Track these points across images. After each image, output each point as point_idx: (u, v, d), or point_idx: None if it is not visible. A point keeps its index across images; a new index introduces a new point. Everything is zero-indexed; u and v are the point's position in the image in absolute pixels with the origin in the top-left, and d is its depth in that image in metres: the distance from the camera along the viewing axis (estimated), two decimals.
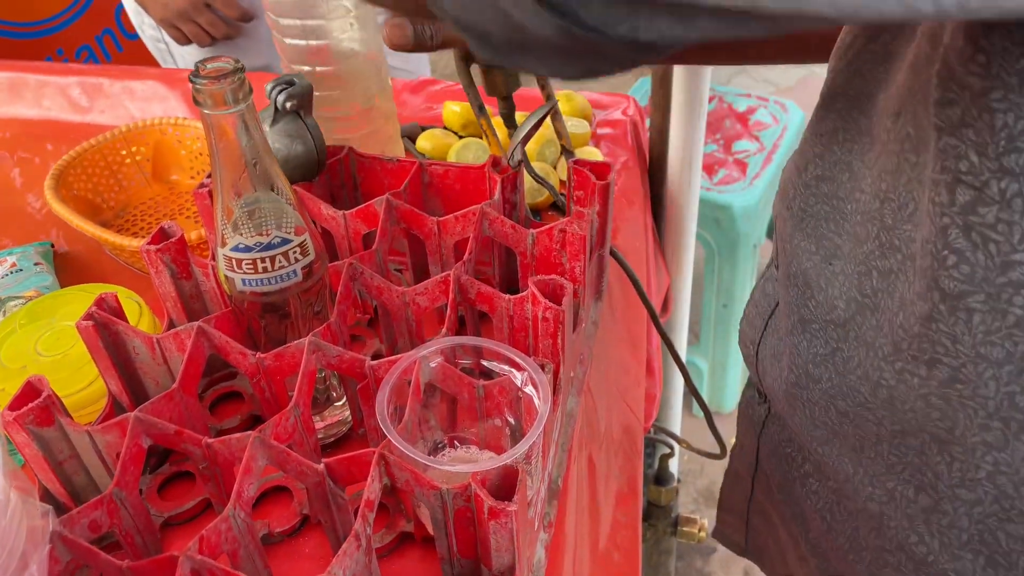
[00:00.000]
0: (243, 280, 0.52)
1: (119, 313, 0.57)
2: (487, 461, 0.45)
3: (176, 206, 0.94)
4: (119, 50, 2.22)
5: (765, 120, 1.57)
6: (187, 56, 1.25)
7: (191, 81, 0.46)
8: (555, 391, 0.58)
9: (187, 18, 1.13)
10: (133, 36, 2.32)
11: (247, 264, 0.51)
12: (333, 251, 0.69)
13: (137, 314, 0.64)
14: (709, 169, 1.47)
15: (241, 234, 0.51)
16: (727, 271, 1.50)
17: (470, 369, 0.54)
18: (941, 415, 0.39)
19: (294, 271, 0.53)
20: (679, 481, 1.40)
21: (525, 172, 0.83)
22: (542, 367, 0.52)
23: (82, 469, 0.53)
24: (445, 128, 0.94)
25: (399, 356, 0.52)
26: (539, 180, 0.79)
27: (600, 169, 0.67)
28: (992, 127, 0.31)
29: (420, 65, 1.30)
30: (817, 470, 0.54)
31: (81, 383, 0.61)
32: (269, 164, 0.51)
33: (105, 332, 0.56)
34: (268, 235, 0.51)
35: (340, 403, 0.61)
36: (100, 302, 0.56)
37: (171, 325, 0.63)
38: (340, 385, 0.61)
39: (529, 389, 0.50)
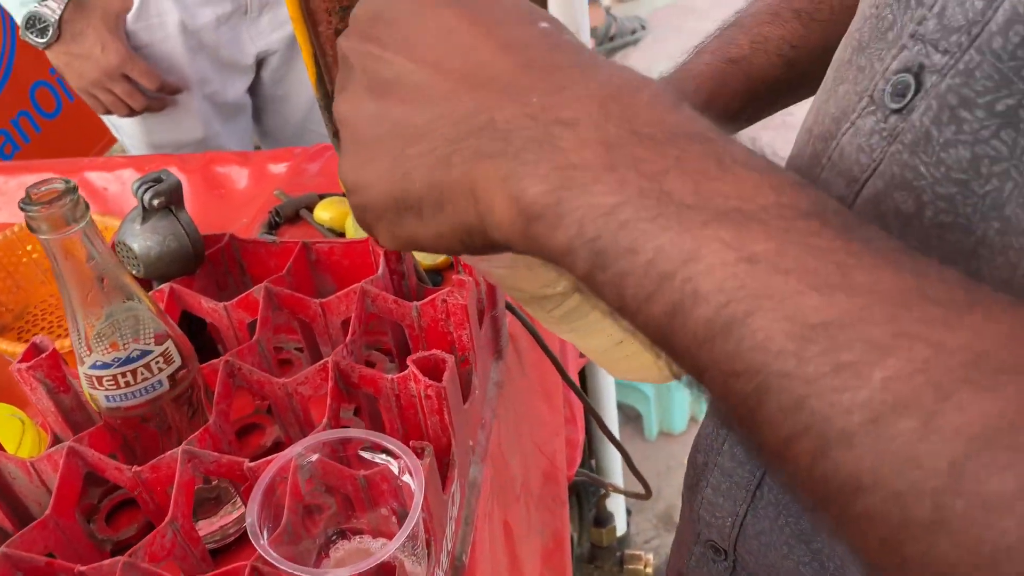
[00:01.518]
0: (106, 396, 0.51)
1: None
2: (361, 563, 0.44)
3: None
4: (37, 131, 2.19)
5: None
6: (129, 131, 1.23)
7: (22, 208, 0.45)
8: (448, 468, 0.58)
9: (102, 87, 1.10)
10: (51, 115, 2.29)
11: (108, 381, 0.50)
12: (219, 344, 0.68)
13: (20, 432, 0.63)
14: None
15: (98, 351, 0.50)
16: None
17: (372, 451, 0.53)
18: None
19: (159, 381, 0.52)
20: (630, 512, 1.40)
21: None
22: (422, 450, 0.52)
23: None
24: (343, 195, 0.94)
25: (275, 457, 0.51)
26: None
27: None
28: None
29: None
30: None
31: None
32: (118, 275, 0.50)
33: None
34: (126, 349, 0.50)
35: (232, 504, 0.60)
36: None
37: (56, 440, 0.62)
38: (233, 486, 0.60)
39: (406, 478, 0.50)
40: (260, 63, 1.24)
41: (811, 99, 0.45)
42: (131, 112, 1.14)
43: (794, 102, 0.52)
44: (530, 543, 0.75)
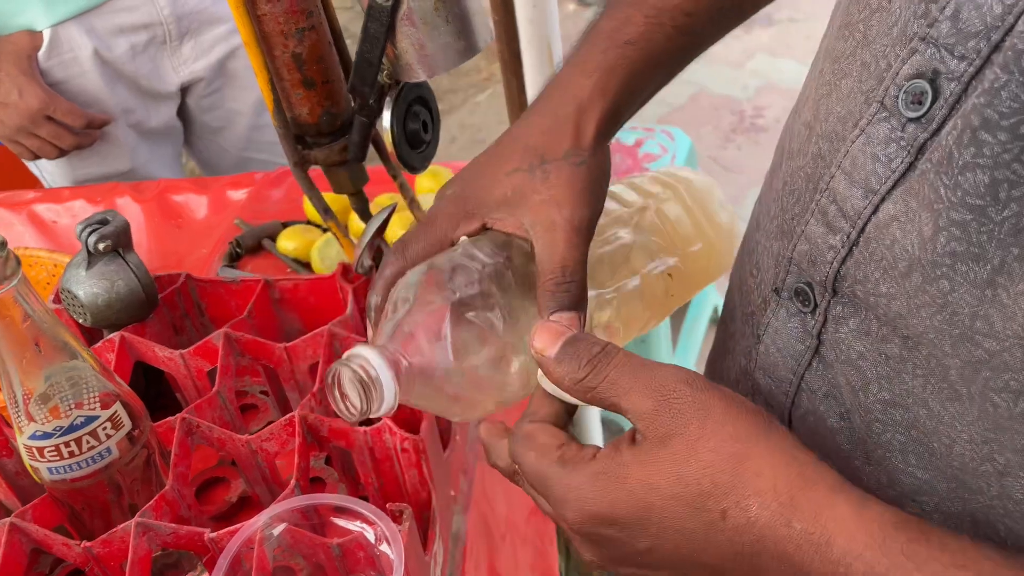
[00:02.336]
0: (49, 469, 0.46)
1: None
2: None
3: None
4: None
5: (654, 151, 1.56)
6: (52, 170, 1.17)
7: None
8: (429, 524, 0.53)
9: (27, 133, 1.05)
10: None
11: (50, 452, 0.46)
12: (178, 392, 0.63)
13: None
14: None
15: (37, 420, 0.45)
16: None
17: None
18: None
19: (107, 449, 0.47)
20: None
21: None
22: (400, 514, 0.47)
23: None
24: (308, 223, 0.89)
25: (239, 527, 0.47)
26: None
27: None
28: None
29: (273, 152, 1.24)
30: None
31: None
32: (57, 334, 0.45)
33: None
34: (69, 416, 0.45)
35: (196, 572, 0.55)
36: None
37: (3, 510, 0.57)
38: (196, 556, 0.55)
39: (384, 547, 0.46)
40: (185, 90, 1.19)
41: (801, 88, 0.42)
42: (61, 153, 1.08)
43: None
44: None
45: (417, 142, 0.62)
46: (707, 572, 0.34)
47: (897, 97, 0.32)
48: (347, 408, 0.37)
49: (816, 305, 0.38)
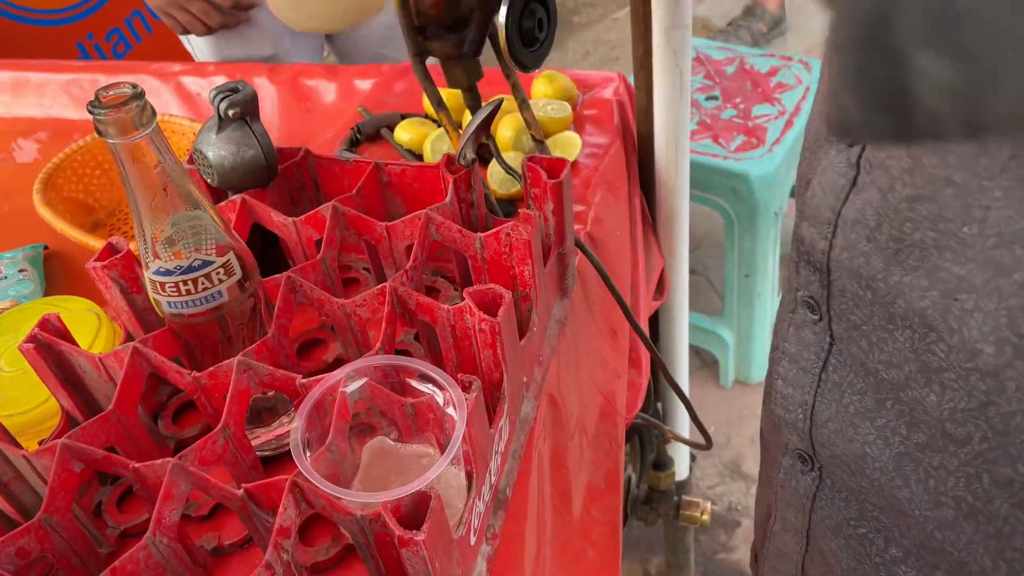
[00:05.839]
0: (168, 303, 0.52)
1: (63, 333, 0.57)
2: (393, 491, 0.44)
3: None
4: (148, 31, 2.25)
5: (788, 81, 1.50)
6: (201, 46, 1.25)
7: (90, 111, 0.46)
8: (498, 402, 0.57)
9: (178, 7, 1.13)
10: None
11: (170, 287, 0.51)
12: (291, 260, 0.69)
13: (95, 327, 0.65)
14: (727, 136, 1.42)
15: (160, 257, 0.51)
16: (748, 241, 1.46)
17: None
18: None
19: (219, 292, 0.52)
20: (694, 458, 1.39)
21: (496, 165, 0.81)
22: (469, 384, 0.51)
23: (28, 489, 0.54)
24: (425, 117, 0.93)
25: (323, 376, 0.51)
26: (510, 172, 0.76)
27: (554, 166, 0.65)
28: None
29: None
30: (919, 552, 0.45)
31: (41, 396, 0.62)
32: (184, 184, 0.50)
33: (49, 353, 0.56)
34: (188, 258, 0.51)
35: (289, 415, 0.61)
36: (44, 323, 0.57)
37: (128, 338, 0.64)
38: (289, 397, 0.61)
39: (450, 410, 0.50)
40: None
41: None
42: (208, 30, 1.15)
43: None
44: (581, 481, 0.74)
45: (531, 40, 0.64)
46: None
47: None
48: None
49: None
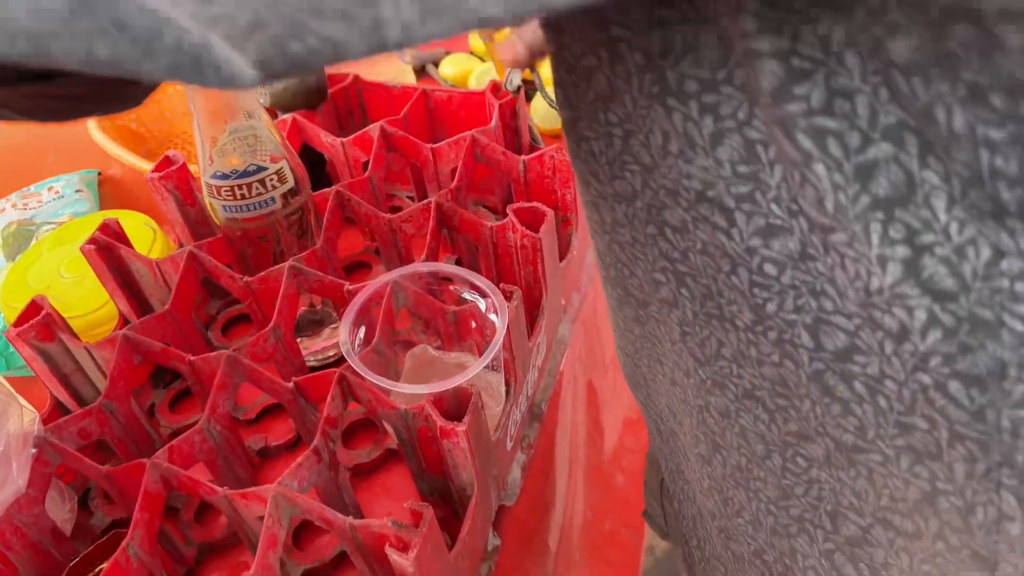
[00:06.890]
0: (223, 207, 0.54)
1: (121, 238, 0.60)
2: (437, 384, 0.46)
3: None
4: None
5: None
6: None
7: None
8: (535, 318, 0.59)
9: None
10: None
11: (225, 191, 0.53)
12: (335, 178, 0.71)
13: (151, 239, 0.68)
14: None
15: (218, 163, 0.53)
16: None
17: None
18: None
19: (272, 198, 0.54)
20: None
21: (539, 100, 0.82)
22: (510, 293, 0.53)
23: (88, 382, 0.57)
24: (471, 53, 0.94)
25: (370, 282, 0.53)
26: (554, 106, 0.77)
27: None
28: None
29: None
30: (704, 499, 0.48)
31: (99, 301, 0.65)
32: (243, 94, 0.52)
33: (109, 255, 0.59)
34: (243, 163, 0.53)
35: (333, 328, 0.63)
36: (104, 227, 0.59)
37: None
38: (335, 311, 0.63)
39: (492, 316, 0.51)
40: None
41: None
42: None
43: None
44: (613, 410, 0.76)
45: None
46: None
47: None
48: None
49: None
